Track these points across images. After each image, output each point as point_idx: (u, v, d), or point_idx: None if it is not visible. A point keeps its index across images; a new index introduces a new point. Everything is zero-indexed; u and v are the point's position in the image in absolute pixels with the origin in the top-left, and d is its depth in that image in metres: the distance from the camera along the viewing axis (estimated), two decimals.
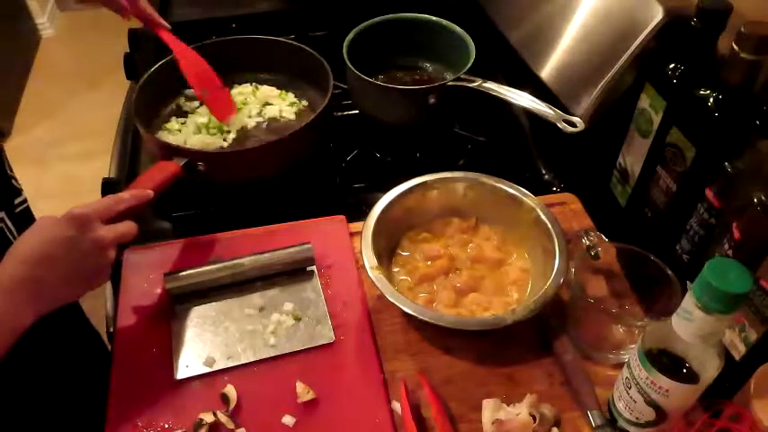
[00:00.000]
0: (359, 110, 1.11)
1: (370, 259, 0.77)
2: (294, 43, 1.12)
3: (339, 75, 1.06)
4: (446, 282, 0.82)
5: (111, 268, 0.71)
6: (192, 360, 0.75)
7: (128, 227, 0.73)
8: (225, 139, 1.04)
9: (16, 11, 3.01)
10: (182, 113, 1.09)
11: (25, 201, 0.88)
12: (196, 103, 1.10)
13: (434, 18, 1.12)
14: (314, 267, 0.85)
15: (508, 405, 0.71)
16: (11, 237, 0.79)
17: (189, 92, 1.10)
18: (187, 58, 1.03)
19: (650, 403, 0.63)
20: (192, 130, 1.05)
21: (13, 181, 0.87)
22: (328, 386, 0.73)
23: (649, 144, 0.85)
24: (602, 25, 0.95)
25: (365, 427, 0.70)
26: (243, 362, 0.75)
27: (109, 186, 0.99)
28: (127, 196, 0.76)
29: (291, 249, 0.84)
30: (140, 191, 0.78)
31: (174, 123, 1.06)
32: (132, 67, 1.22)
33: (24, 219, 0.86)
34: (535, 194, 0.85)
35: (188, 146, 1.01)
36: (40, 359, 0.84)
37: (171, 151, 0.93)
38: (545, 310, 0.74)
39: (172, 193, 0.85)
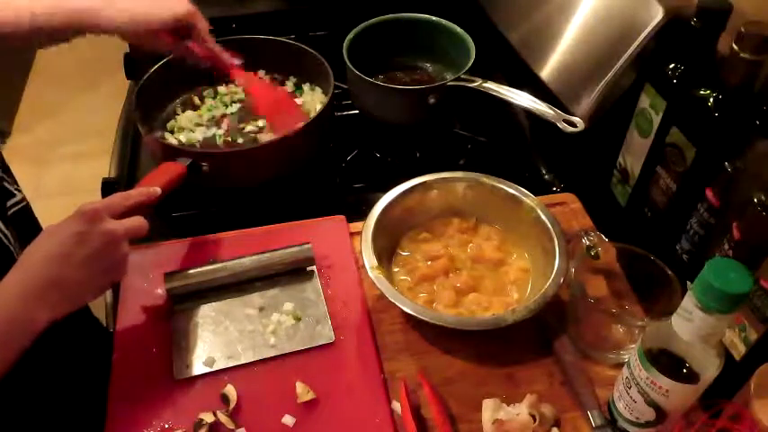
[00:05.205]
0: (359, 110, 1.11)
1: (370, 259, 0.77)
2: (294, 43, 1.12)
3: (339, 75, 1.06)
4: (446, 282, 0.82)
5: (126, 262, 0.71)
6: (191, 360, 0.75)
7: (138, 222, 0.73)
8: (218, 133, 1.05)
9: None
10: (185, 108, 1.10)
11: (22, 201, 0.87)
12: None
13: (434, 18, 1.12)
14: (314, 267, 0.85)
15: (508, 405, 0.71)
16: (6, 241, 0.78)
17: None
18: (260, 92, 1.03)
19: (650, 403, 0.63)
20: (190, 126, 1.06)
21: (6, 183, 0.86)
22: (328, 386, 0.73)
23: (649, 144, 0.85)
24: (602, 25, 0.95)
25: (365, 427, 0.70)
26: (243, 362, 0.75)
27: (109, 186, 0.99)
28: (135, 193, 0.76)
29: (291, 249, 0.84)
30: (148, 188, 0.78)
31: (174, 123, 1.07)
32: (132, 67, 1.22)
33: (22, 221, 0.85)
34: (535, 194, 0.85)
35: (189, 143, 1.01)
36: (43, 356, 0.84)
37: (172, 152, 0.93)
38: (545, 310, 0.74)
39: (172, 193, 0.85)
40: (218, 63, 0.99)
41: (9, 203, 0.84)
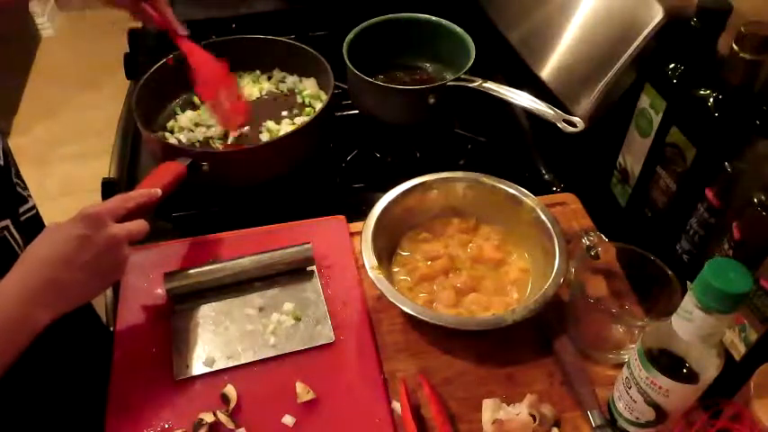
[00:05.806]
0: (359, 110, 1.11)
1: (370, 259, 0.77)
2: (294, 43, 1.12)
3: (339, 75, 1.06)
4: (446, 282, 0.82)
5: (126, 264, 0.71)
6: (191, 360, 0.75)
7: (140, 224, 0.73)
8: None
9: (16, 11, 3.01)
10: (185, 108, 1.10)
11: (33, 208, 0.87)
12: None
13: (434, 18, 1.12)
14: (314, 267, 0.85)
15: (508, 405, 0.71)
16: (15, 246, 0.78)
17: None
18: (204, 67, 1.03)
19: (650, 403, 0.63)
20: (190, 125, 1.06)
21: (19, 188, 0.86)
22: (328, 386, 0.73)
23: (649, 144, 0.85)
24: (602, 25, 0.95)
25: (365, 427, 0.70)
26: (243, 362, 0.75)
27: (109, 186, 0.99)
28: (135, 194, 0.77)
29: (291, 249, 0.84)
30: (149, 189, 0.79)
31: (173, 123, 1.07)
32: (132, 67, 1.23)
33: (32, 227, 0.84)
34: (535, 194, 0.85)
35: (189, 143, 1.01)
36: (43, 356, 0.84)
37: (172, 151, 0.93)
38: (545, 310, 0.74)
39: (172, 193, 0.85)
40: (168, 29, 1.03)
41: (22, 210, 0.84)
